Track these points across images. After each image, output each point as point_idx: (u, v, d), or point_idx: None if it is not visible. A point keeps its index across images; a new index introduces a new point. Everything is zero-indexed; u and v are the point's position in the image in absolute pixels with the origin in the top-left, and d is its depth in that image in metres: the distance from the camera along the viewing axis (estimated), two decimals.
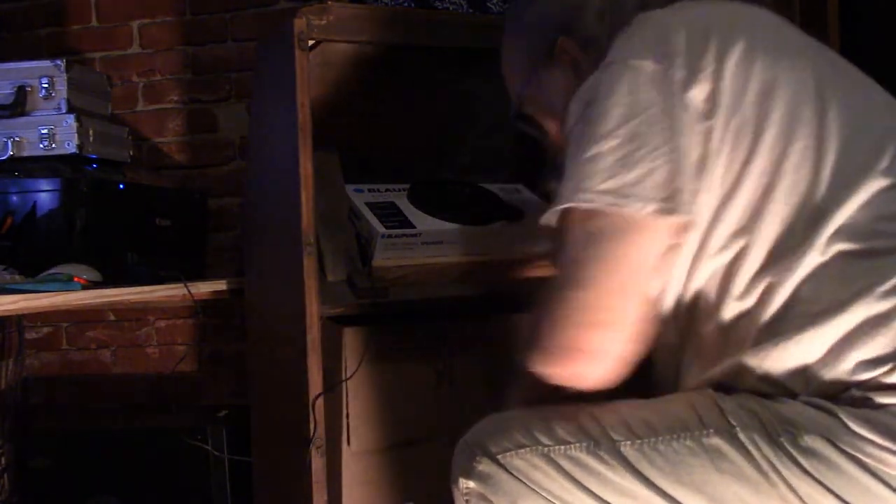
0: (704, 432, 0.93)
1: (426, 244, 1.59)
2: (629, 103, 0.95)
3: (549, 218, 0.99)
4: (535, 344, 0.99)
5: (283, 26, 1.46)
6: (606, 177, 0.94)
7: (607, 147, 0.94)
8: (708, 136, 0.94)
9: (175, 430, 1.98)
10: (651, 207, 0.92)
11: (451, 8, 1.67)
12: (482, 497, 1.02)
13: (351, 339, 1.56)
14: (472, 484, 1.03)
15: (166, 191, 2.10)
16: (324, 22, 1.45)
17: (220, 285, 1.88)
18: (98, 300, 1.65)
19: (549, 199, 1.79)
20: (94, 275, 1.64)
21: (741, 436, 0.91)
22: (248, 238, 1.86)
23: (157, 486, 1.99)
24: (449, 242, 1.61)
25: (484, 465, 1.02)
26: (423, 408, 1.64)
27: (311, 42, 1.45)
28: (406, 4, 1.63)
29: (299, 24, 1.43)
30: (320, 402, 1.44)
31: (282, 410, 1.62)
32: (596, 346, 0.94)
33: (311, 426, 1.42)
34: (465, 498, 1.04)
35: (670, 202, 0.92)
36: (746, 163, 0.94)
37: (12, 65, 1.87)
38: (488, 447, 1.02)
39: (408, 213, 1.62)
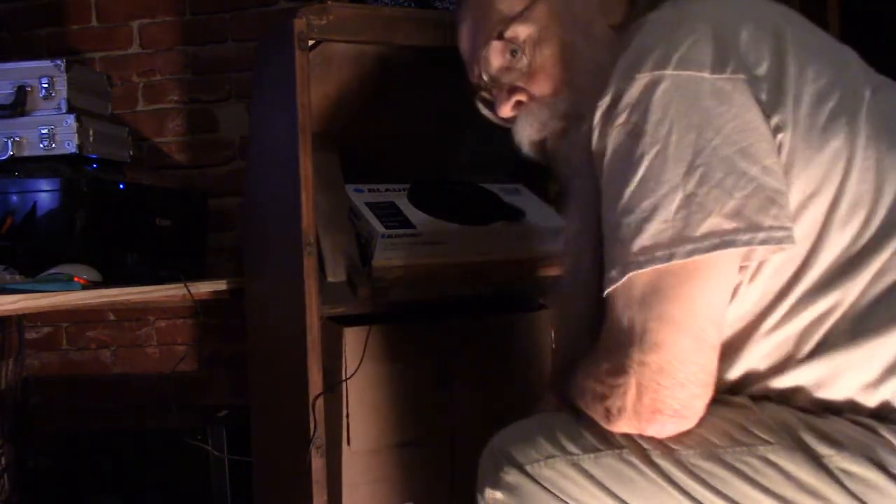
0: (741, 447, 0.89)
1: (426, 244, 1.59)
2: (697, 125, 0.86)
3: (616, 280, 0.89)
4: (617, 407, 0.91)
5: (283, 26, 1.46)
6: (699, 219, 0.85)
7: (678, 183, 0.85)
8: (779, 151, 0.88)
9: (175, 430, 1.98)
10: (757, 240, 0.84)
11: (451, 8, 1.66)
12: None
13: (351, 339, 1.56)
14: (499, 495, 1.01)
15: (166, 191, 2.11)
16: (324, 22, 1.44)
17: (220, 285, 1.88)
18: (98, 300, 1.65)
19: (548, 199, 1.80)
20: (94, 275, 1.65)
21: (780, 453, 0.87)
22: (248, 238, 1.86)
23: (157, 486, 1.99)
24: (449, 242, 1.61)
25: (511, 476, 0.99)
26: (423, 408, 1.64)
27: (311, 42, 1.44)
28: (406, 4, 1.63)
29: (299, 24, 1.43)
30: (320, 402, 1.44)
31: (282, 410, 1.62)
32: (685, 405, 0.89)
33: (311, 426, 1.42)
34: None
35: (772, 232, 0.85)
36: (810, 179, 0.88)
37: (12, 65, 1.87)
38: (515, 457, 1.00)
39: (408, 213, 1.62)
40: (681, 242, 0.85)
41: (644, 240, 0.86)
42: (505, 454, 1.01)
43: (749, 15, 0.93)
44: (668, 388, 0.87)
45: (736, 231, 0.84)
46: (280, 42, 1.48)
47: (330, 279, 1.53)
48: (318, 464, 1.45)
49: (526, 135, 1.13)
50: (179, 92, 2.42)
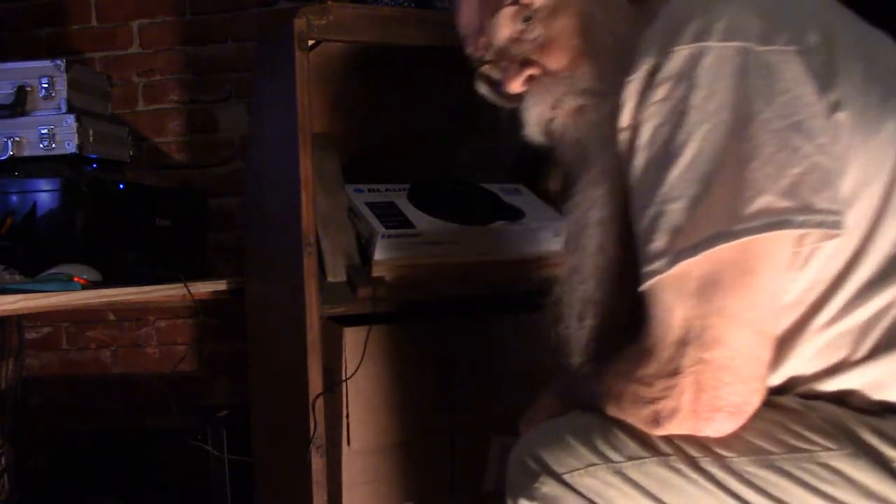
0: (799, 454, 0.83)
1: (426, 244, 1.59)
2: (745, 98, 0.80)
3: (661, 271, 0.83)
4: (670, 409, 0.85)
5: (283, 26, 1.46)
6: (752, 195, 0.78)
7: (727, 161, 0.80)
8: (836, 135, 0.82)
9: (175, 430, 1.98)
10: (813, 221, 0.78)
11: (451, 8, 1.66)
12: None
13: (351, 339, 1.55)
14: None
15: (166, 191, 2.10)
16: (324, 22, 1.44)
17: (220, 285, 1.88)
18: (98, 300, 1.65)
19: (548, 199, 1.80)
20: (94, 275, 1.65)
21: (843, 459, 0.82)
22: (248, 238, 1.86)
23: (157, 486, 1.99)
24: (449, 242, 1.61)
25: (548, 487, 0.93)
26: (423, 408, 1.64)
27: (311, 42, 1.45)
28: (406, 4, 1.63)
29: (299, 24, 1.43)
30: (320, 402, 1.44)
31: (282, 410, 1.62)
32: (745, 400, 0.83)
33: (311, 426, 1.42)
34: None
35: (827, 215, 0.79)
36: (867, 162, 0.83)
37: (12, 65, 1.87)
38: (551, 466, 0.93)
39: (408, 213, 1.62)
40: (730, 222, 0.79)
41: (693, 225, 0.80)
42: (539, 462, 0.95)
43: None
44: (730, 384, 0.82)
45: (789, 210, 0.78)
46: (280, 42, 1.48)
47: (330, 279, 1.53)
48: (318, 464, 1.45)
49: (536, 112, 1.02)
50: (179, 92, 2.42)
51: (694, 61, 0.81)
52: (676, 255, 0.81)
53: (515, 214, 1.69)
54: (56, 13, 2.44)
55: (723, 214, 0.79)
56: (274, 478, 1.73)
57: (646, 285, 0.84)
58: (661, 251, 0.82)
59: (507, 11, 1.01)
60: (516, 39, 1.02)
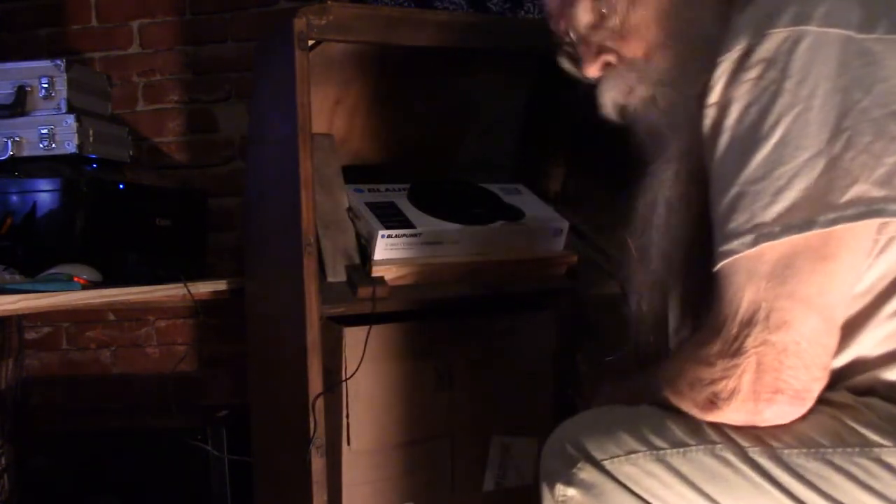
0: (851, 448, 0.82)
1: (426, 244, 1.59)
2: (843, 87, 0.80)
3: (738, 251, 0.82)
4: (729, 389, 0.84)
5: (283, 26, 1.46)
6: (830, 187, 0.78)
7: (821, 148, 0.79)
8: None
9: (175, 430, 1.98)
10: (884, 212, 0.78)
11: (451, 8, 1.67)
12: None
13: (351, 339, 1.56)
14: (571, 492, 0.93)
15: (166, 191, 2.10)
16: (324, 22, 1.44)
17: (220, 285, 1.88)
18: (98, 300, 1.65)
19: (547, 198, 1.80)
20: (94, 275, 1.65)
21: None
22: (248, 238, 1.86)
23: (157, 486, 1.99)
24: (449, 242, 1.61)
25: (587, 473, 0.92)
26: (423, 408, 1.64)
27: (311, 42, 1.44)
28: (406, 4, 1.63)
29: (299, 24, 1.42)
30: (320, 402, 1.44)
31: (282, 410, 1.62)
32: (806, 387, 0.83)
33: (311, 426, 1.42)
34: None
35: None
36: None
37: (12, 65, 1.87)
38: (591, 452, 0.92)
39: (408, 213, 1.62)
40: (823, 210, 0.78)
41: (779, 208, 0.80)
42: (579, 447, 0.94)
43: None
44: (793, 368, 0.81)
45: (885, 199, 0.78)
46: (280, 42, 1.48)
47: (330, 279, 1.53)
48: (318, 464, 1.45)
49: (610, 97, 1.03)
50: (179, 92, 2.42)
51: (791, 45, 0.81)
52: (759, 236, 0.81)
53: (515, 214, 1.69)
54: (56, 13, 2.44)
55: (815, 201, 0.79)
56: (274, 478, 1.73)
57: (721, 264, 0.84)
58: (740, 231, 0.82)
59: (586, 2, 1.02)
60: (595, 27, 1.03)
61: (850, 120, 0.79)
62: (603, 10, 1.01)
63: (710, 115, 0.86)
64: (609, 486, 0.90)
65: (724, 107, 0.85)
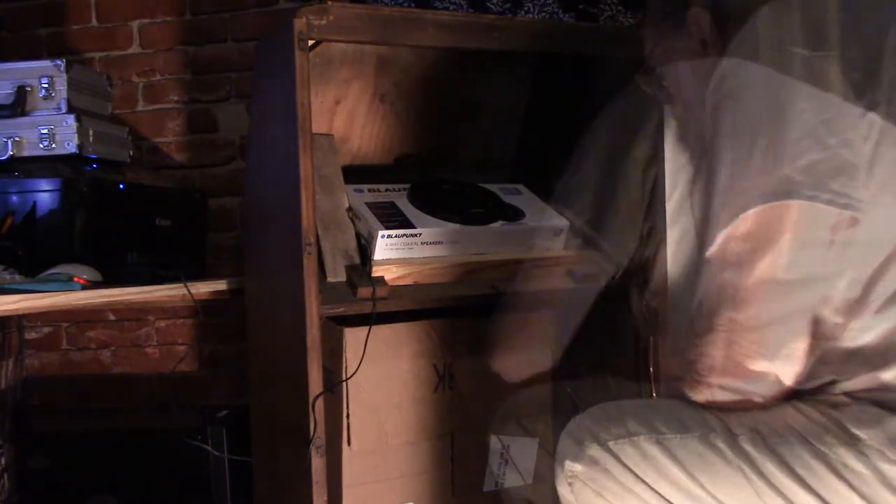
0: (830, 447, 0.88)
1: (426, 244, 1.59)
2: (784, 98, 0.90)
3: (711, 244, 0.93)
4: (707, 367, 0.93)
5: (283, 26, 1.46)
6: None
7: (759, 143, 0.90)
8: (870, 128, 0.90)
9: (175, 430, 1.98)
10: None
11: (451, 8, 1.67)
12: (590, 480, 1.01)
13: (351, 339, 1.56)
14: (578, 467, 1.02)
15: (166, 191, 2.10)
16: (324, 22, 1.44)
17: (220, 285, 1.88)
18: (98, 300, 1.65)
19: (548, 199, 1.80)
20: (94, 275, 1.64)
21: (874, 452, 0.87)
22: (248, 238, 1.86)
23: (157, 486, 1.99)
24: (449, 242, 1.61)
25: (594, 451, 1.01)
26: (423, 408, 1.64)
27: (311, 42, 1.44)
28: (406, 4, 1.63)
29: (299, 24, 1.42)
30: (320, 402, 1.44)
31: (282, 410, 1.62)
32: (770, 360, 0.91)
33: (311, 426, 1.42)
34: (568, 480, 1.03)
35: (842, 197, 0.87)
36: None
37: (12, 65, 1.87)
38: (599, 433, 1.01)
39: (408, 213, 1.62)
40: (752, 192, 0.88)
41: (730, 196, 0.90)
42: (590, 431, 1.03)
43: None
44: (757, 343, 0.89)
45: (802, 184, 0.87)
46: (280, 42, 1.48)
47: (330, 279, 1.53)
48: (318, 464, 1.45)
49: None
50: (179, 92, 2.42)
51: (737, 64, 0.93)
52: (718, 226, 0.90)
53: (515, 214, 1.69)
54: (56, 13, 2.44)
55: (749, 185, 0.89)
56: (274, 478, 1.73)
57: (705, 262, 0.93)
58: (714, 227, 0.92)
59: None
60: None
61: (789, 119, 0.90)
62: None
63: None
64: (612, 463, 0.99)
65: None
